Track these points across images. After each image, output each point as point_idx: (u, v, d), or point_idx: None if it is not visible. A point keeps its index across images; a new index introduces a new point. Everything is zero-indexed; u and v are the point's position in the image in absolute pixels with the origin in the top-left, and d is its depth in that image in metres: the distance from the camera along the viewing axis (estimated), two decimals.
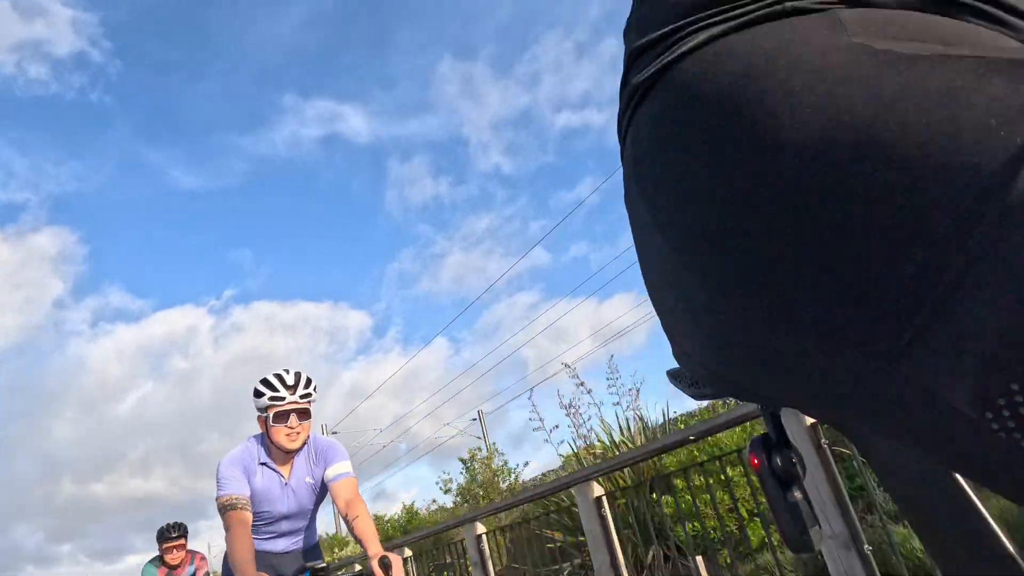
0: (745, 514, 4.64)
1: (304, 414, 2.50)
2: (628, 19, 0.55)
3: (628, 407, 6.08)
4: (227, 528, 2.33)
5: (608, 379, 6.17)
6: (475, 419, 21.69)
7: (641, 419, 5.96)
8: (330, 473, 2.52)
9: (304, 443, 2.55)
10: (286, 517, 2.59)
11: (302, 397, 2.48)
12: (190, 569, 5.04)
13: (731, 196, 0.38)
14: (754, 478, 4.48)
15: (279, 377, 2.49)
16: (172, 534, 4.90)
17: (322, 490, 2.62)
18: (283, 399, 2.45)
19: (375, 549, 2.23)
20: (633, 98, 0.48)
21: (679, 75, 0.44)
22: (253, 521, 2.44)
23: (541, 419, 6.68)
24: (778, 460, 0.56)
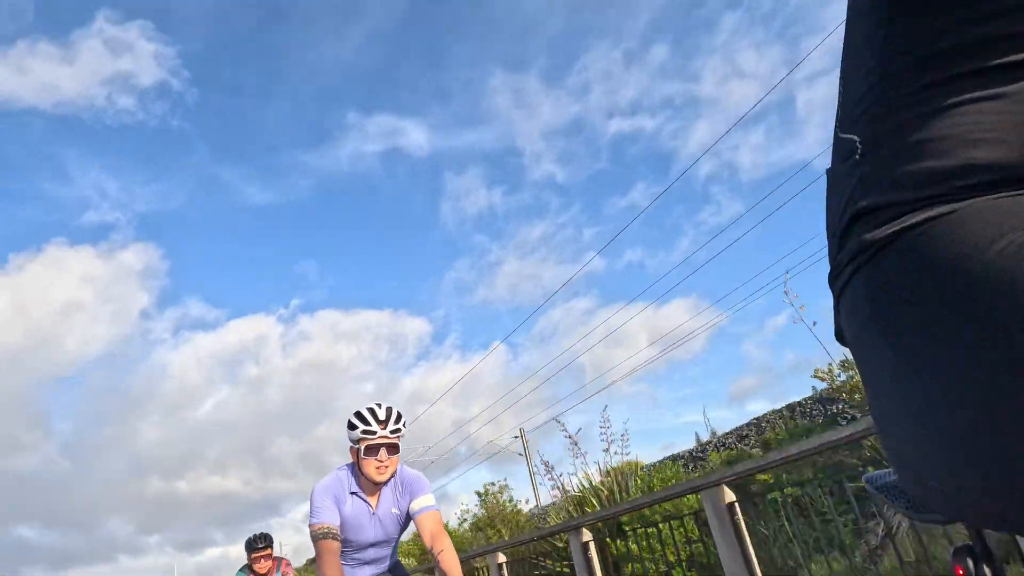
0: (672, 559, 5.90)
1: (393, 448, 2.55)
2: (843, 168, 0.58)
3: (615, 452, 7.36)
4: (318, 555, 2.41)
5: (600, 427, 7.45)
6: (517, 436, 22.03)
7: (611, 472, 7.26)
8: (415, 506, 2.59)
9: (392, 475, 2.61)
10: (373, 545, 2.68)
11: (392, 432, 2.54)
12: (277, 575, 5.25)
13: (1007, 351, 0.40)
14: (684, 533, 5.75)
15: (371, 411, 2.56)
16: (259, 544, 5.05)
17: (406, 520, 2.70)
18: (374, 433, 2.51)
19: None
20: (864, 252, 0.52)
21: (924, 237, 0.48)
22: (342, 548, 2.53)
23: (535, 464, 8.04)
24: (986, 570, 0.60)
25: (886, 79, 0.54)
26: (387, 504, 2.65)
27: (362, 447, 2.53)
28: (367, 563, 2.74)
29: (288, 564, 5.40)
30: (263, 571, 5.09)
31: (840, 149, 0.59)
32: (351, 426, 2.57)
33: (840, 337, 0.62)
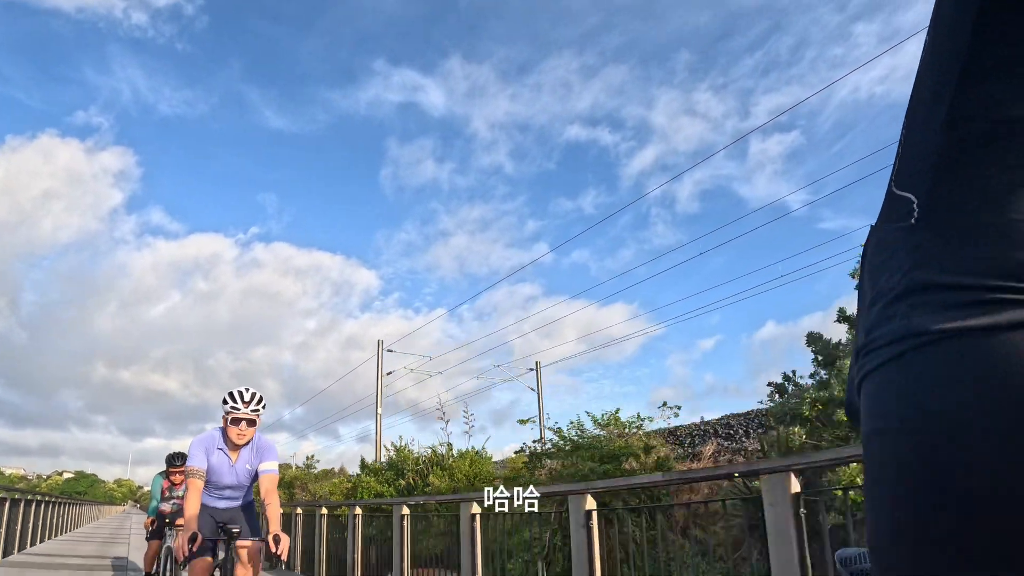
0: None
1: (251, 423, 3.53)
2: (893, 230, 0.50)
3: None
4: (187, 489, 3.44)
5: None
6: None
7: None
8: (262, 467, 3.61)
9: (249, 441, 3.59)
10: (229, 487, 3.70)
11: (251, 411, 3.51)
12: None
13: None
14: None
15: (240, 394, 3.51)
16: (176, 462, 6.06)
17: (255, 475, 3.71)
18: (239, 409, 3.49)
19: (275, 528, 3.23)
20: (911, 338, 0.45)
21: (1001, 349, 0.40)
22: (206, 486, 3.56)
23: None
24: None
25: (956, 130, 0.46)
26: (243, 460, 3.64)
27: (229, 417, 3.52)
28: (224, 498, 3.74)
29: None
30: (176, 482, 6.15)
31: (892, 208, 0.52)
32: (224, 400, 3.55)
33: (852, 416, 0.53)
